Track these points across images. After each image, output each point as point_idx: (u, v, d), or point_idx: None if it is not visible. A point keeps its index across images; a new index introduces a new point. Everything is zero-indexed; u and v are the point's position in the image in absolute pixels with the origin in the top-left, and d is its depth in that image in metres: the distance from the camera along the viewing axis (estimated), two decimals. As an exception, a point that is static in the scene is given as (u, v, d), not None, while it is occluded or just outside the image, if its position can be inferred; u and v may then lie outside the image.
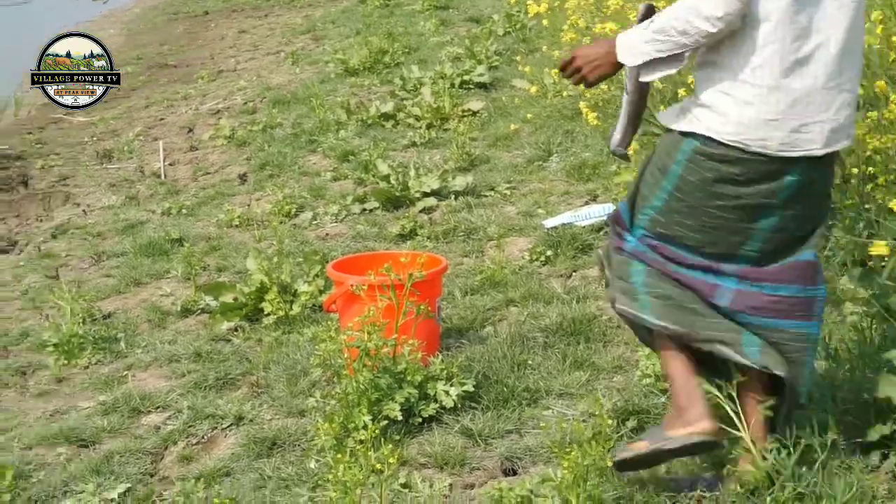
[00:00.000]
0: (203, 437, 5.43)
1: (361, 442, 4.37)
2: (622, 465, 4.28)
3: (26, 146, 12.38)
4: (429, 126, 10.09)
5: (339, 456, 4.07)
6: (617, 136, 4.40)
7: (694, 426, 4.15)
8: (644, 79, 4.19)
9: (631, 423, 4.83)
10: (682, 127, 4.06)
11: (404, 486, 4.64)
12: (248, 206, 8.98)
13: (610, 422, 4.23)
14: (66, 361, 6.53)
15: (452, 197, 8.29)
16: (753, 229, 4.08)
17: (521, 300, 6.39)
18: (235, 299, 6.73)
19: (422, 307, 5.29)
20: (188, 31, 19.13)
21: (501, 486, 4.32)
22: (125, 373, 6.29)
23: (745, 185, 4.00)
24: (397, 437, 4.96)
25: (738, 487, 4.14)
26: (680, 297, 4.16)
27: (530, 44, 12.34)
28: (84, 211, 9.84)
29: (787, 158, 3.95)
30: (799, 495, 4.02)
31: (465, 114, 10.27)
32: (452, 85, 10.98)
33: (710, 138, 3.98)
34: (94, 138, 12.51)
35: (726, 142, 3.96)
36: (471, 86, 11.21)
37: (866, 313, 5.18)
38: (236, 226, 8.52)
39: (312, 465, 4.89)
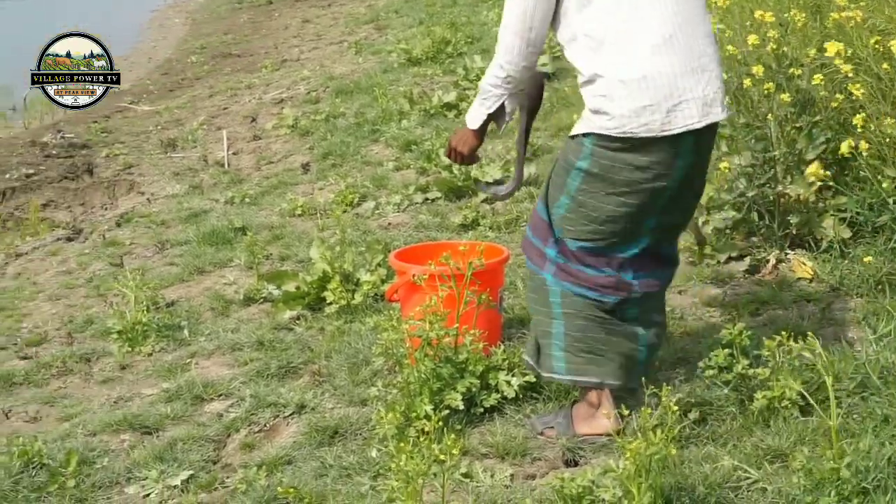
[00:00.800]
0: (265, 426, 5.45)
1: (423, 431, 4.38)
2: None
3: (92, 134, 12.47)
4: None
5: (401, 445, 4.07)
6: (511, 185, 5.31)
7: (601, 428, 4.81)
8: (499, 129, 5.01)
9: (693, 415, 4.80)
10: (581, 130, 4.61)
11: (465, 475, 4.65)
12: (311, 195, 9.01)
13: (675, 410, 4.22)
14: (129, 349, 6.58)
15: (515, 187, 8.25)
16: (652, 214, 4.66)
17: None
18: (298, 288, 6.75)
19: (483, 297, 5.29)
20: (252, 20, 19.20)
21: (563, 476, 4.30)
22: (188, 360, 6.33)
23: (641, 170, 4.53)
24: (459, 427, 4.96)
25: None
26: (598, 341, 4.82)
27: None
28: (148, 199, 9.91)
29: (672, 137, 4.48)
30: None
31: (531, 103, 10.22)
32: (515, 75, 10.91)
33: (602, 136, 4.52)
34: (159, 127, 12.59)
35: (616, 136, 4.49)
36: (535, 75, 11.16)
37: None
38: (299, 215, 8.54)
39: (374, 454, 4.90)
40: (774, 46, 6.47)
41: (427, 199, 8.34)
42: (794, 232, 6.45)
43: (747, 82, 6.37)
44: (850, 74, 6.06)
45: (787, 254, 6.42)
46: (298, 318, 6.62)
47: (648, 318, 4.89)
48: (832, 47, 5.98)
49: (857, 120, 5.92)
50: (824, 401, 4.46)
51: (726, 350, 4.89)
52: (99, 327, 6.98)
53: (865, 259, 5.93)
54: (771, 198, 6.45)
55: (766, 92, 6.35)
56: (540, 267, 4.87)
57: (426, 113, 10.45)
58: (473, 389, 5.07)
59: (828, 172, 6.31)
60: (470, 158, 5.11)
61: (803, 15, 6.65)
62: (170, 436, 5.43)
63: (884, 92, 6.05)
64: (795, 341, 4.62)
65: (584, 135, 4.58)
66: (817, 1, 7.13)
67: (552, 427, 4.96)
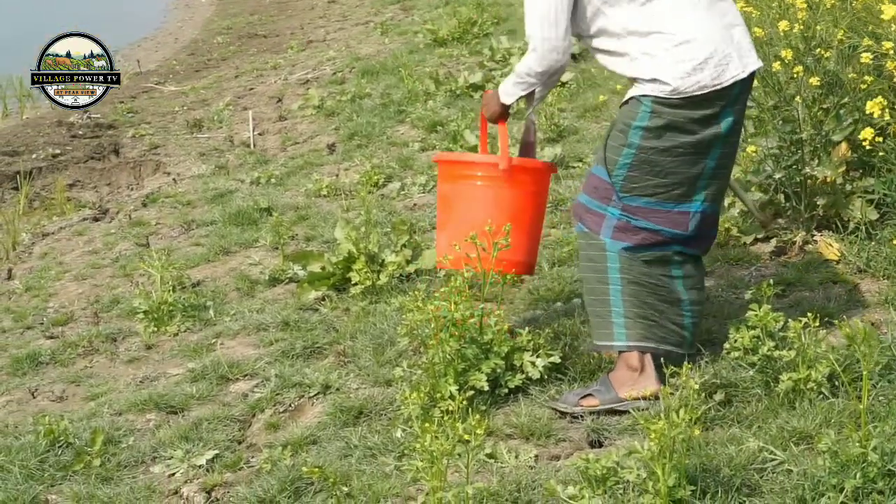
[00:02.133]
0: (290, 406, 5.46)
1: (448, 412, 4.38)
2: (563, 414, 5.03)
3: (118, 115, 12.50)
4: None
5: (425, 425, 4.07)
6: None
7: (648, 390, 4.90)
8: (528, 107, 5.29)
9: (718, 396, 4.80)
10: (638, 93, 4.87)
11: (490, 456, 4.65)
12: (337, 175, 9.01)
13: (698, 389, 4.21)
14: (155, 329, 6.60)
15: (541, 168, 8.24)
16: (707, 162, 4.93)
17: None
18: (323, 269, 6.75)
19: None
20: (278, 1, 19.20)
21: (588, 457, 4.30)
22: (214, 341, 6.34)
23: (698, 122, 4.84)
24: (483, 408, 4.96)
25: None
26: (650, 306, 5.01)
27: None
28: (174, 180, 9.93)
29: (722, 89, 4.81)
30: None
31: (563, 84, 10.22)
32: (542, 56, 10.90)
33: (660, 97, 4.81)
34: (185, 108, 12.61)
35: (674, 98, 4.80)
36: (563, 56, 11.13)
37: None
38: (324, 195, 8.55)
39: (399, 434, 4.91)
40: (802, 27, 6.44)
41: (452, 179, 8.32)
42: (820, 214, 6.42)
43: (776, 65, 6.34)
44: (893, 52, 6.02)
45: (813, 235, 6.39)
46: (323, 299, 6.62)
47: (692, 282, 5.07)
48: (889, 11, 5.89)
49: (872, 106, 5.88)
50: (850, 382, 4.45)
51: (752, 332, 4.88)
52: (125, 307, 7.01)
53: (893, 241, 5.90)
54: (798, 180, 6.43)
55: (794, 75, 6.32)
56: (597, 230, 5.00)
57: (452, 94, 10.44)
58: (498, 370, 5.07)
59: (858, 151, 6.28)
60: (490, 120, 5.43)
61: (832, -4, 6.61)
62: (195, 416, 5.45)
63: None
64: (822, 323, 4.60)
65: (642, 97, 4.86)
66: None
67: (590, 395, 5.00)
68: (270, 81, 12.88)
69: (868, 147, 5.92)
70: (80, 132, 11.76)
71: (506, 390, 5.10)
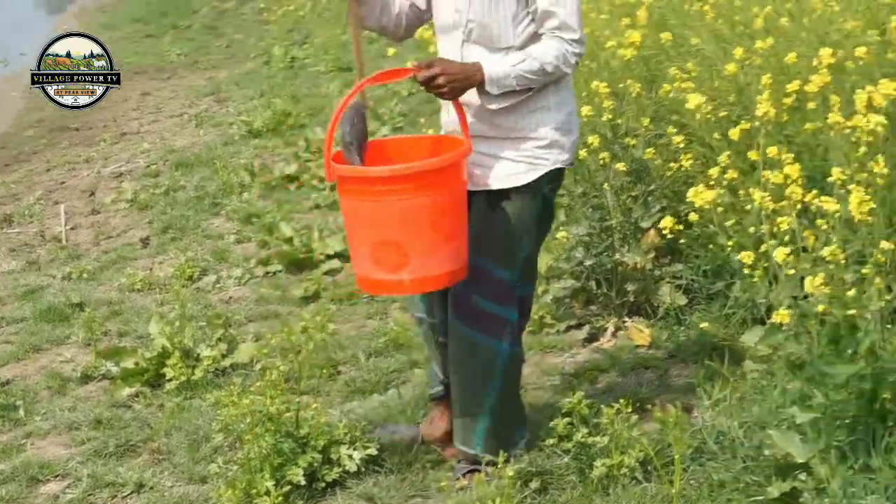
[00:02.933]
0: (103, 506, 5.35)
1: (263, 508, 4.34)
2: None
3: (-76, 211, 12.21)
4: (333, 188, 10.08)
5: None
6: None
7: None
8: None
9: (534, 484, 4.83)
10: (531, 178, 4.72)
11: (307, 551, 4.61)
12: (151, 269, 8.90)
13: (513, 477, 4.24)
14: (-38, 430, 6.42)
15: (356, 258, 8.26)
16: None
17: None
18: (137, 364, 6.66)
19: None
20: (91, 93, 19.01)
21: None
22: (24, 441, 6.18)
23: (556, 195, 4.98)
24: (300, 502, 4.92)
25: None
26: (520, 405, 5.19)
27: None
28: (-17, 277, 9.72)
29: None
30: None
31: (369, 175, 10.27)
32: (356, 146, 10.96)
33: (555, 170, 4.76)
34: (-6, 203, 12.37)
35: (566, 167, 4.84)
36: (375, 147, 11.21)
37: (766, 370, 5.24)
38: (138, 290, 8.43)
39: (214, 532, 4.84)
40: (610, 117, 6.58)
41: (268, 272, 8.29)
42: (631, 299, 6.54)
43: (584, 153, 6.46)
44: (682, 146, 6.19)
45: (625, 321, 6.50)
46: (137, 395, 6.51)
47: None
48: (693, 100, 6.02)
49: (692, 194, 6.01)
50: (663, 467, 4.51)
51: (566, 419, 4.92)
52: (-70, 408, 6.81)
53: (701, 326, 6.03)
54: (608, 266, 6.54)
55: (602, 162, 6.45)
56: (499, 337, 4.89)
57: (267, 185, 10.42)
58: (315, 464, 5.03)
59: (666, 238, 6.41)
60: (447, 98, 4.74)
61: (638, 86, 6.77)
62: (4, 519, 5.31)
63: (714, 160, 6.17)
64: (634, 409, 4.67)
65: (535, 182, 4.74)
66: (652, 73, 7.27)
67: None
68: (83, 175, 12.70)
69: (670, 235, 6.04)
70: None
71: (323, 484, 5.07)
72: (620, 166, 6.44)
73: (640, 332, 6.34)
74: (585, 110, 6.56)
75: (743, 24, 7.01)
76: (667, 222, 6.02)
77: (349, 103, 4.67)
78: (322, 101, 13.69)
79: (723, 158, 5.57)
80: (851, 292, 4.68)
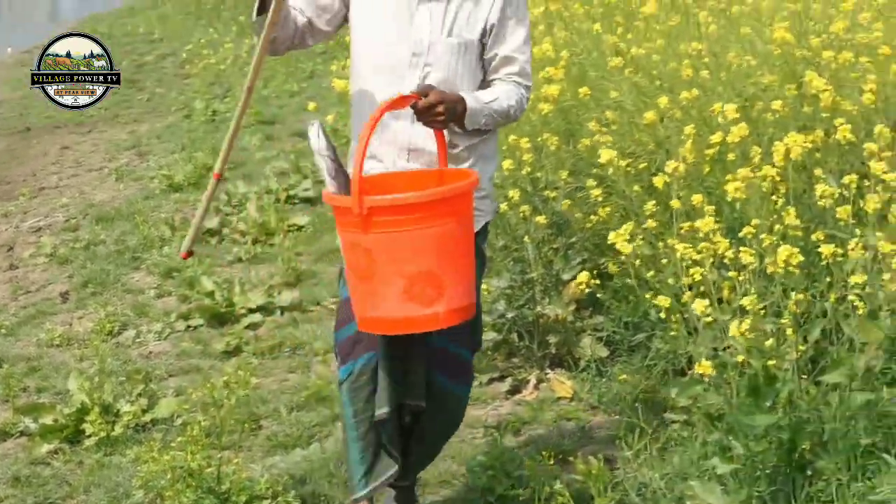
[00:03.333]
0: (19, 566, 5.28)
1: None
2: None
3: None
4: (254, 241, 10.06)
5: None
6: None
7: None
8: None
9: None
10: (477, 228, 4.59)
11: None
12: (70, 324, 8.81)
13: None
14: None
15: (278, 312, 8.24)
16: None
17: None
18: (55, 421, 6.58)
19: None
20: (9, 147, 18.83)
21: None
22: (-61, 502, 6.10)
23: None
24: (222, 559, 4.88)
25: None
26: None
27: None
28: None
29: None
30: None
31: (291, 228, 10.26)
32: (278, 200, 10.96)
33: (488, 222, 4.83)
34: (-90, 258, 12.22)
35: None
36: (297, 200, 11.21)
37: (687, 422, 5.27)
38: (57, 345, 8.34)
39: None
40: (529, 170, 6.62)
41: (189, 326, 8.24)
42: (553, 352, 6.57)
43: (504, 206, 6.49)
44: (600, 198, 6.25)
45: (547, 374, 6.52)
46: (56, 452, 6.43)
47: None
48: (606, 154, 6.04)
49: (613, 236, 6.05)
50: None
51: (489, 472, 4.93)
52: None
53: (621, 377, 6.06)
54: (530, 318, 6.57)
55: (522, 215, 6.49)
56: (466, 382, 4.90)
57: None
58: (236, 520, 5.00)
59: (586, 290, 6.45)
60: (440, 128, 4.49)
61: (556, 139, 6.83)
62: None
63: (634, 213, 6.23)
64: (556, 461, 4.68)
65: (478, 233, 4.66)
66: (572, 126, 7.33)
67: None
68: (0, 230, 12.59)
69: (588, 289, 6.10)
70: None
71: (244, 539, 5.03)
72: (541, 219, 6.48)
73: (562, 385, 6.36)
74: (507, 164, 6.60)
75: (661, 77, 7.09)
76: (583, 277, 6.08)
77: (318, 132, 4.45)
78: (243, 154, 13.67)
79: (648, 207, 5.63)
80: (770, 342, 4.73)
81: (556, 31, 8.35)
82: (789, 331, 4.74)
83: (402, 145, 4.59)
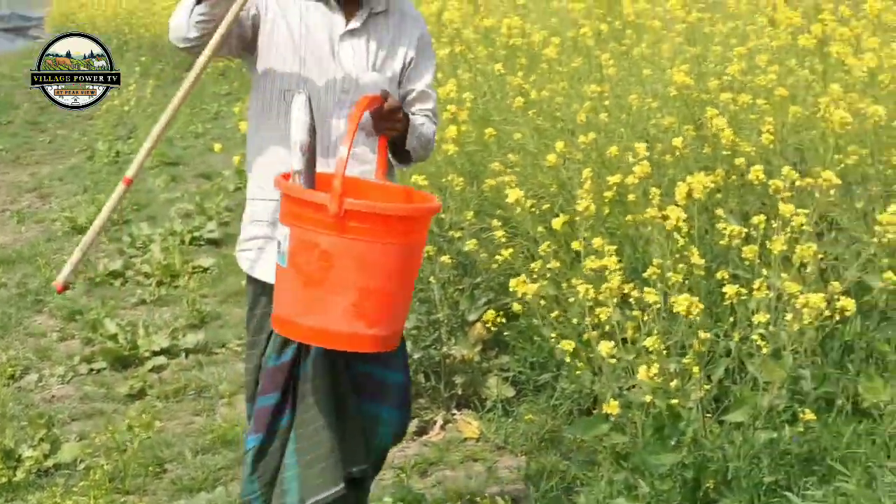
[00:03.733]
0: None
1: None
2: None
3: None
4: (159, 283, 9.99)
5: None
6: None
7: None
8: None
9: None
10: None
11: None
12: (-30, 369, 8.70)
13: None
14: None
15: (183, 355, 8.19)
16: None
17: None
18: (-45, 467, 6.49)
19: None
20: None
21: None
22: None
23: None
24: None
25: None
26: None
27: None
28: None
29: None
30: None
31: (196, 270, 10.21)
32: (182, 241, 10.92)
33: None
34: None
35: None
36: (201, 242, 11.16)
37: (593, 461, 5.30)
38: (-43, 390, 8.23)
39: None
40: (434, 211, 6.64)
41: (92, 369, 8.15)
42: (459, 392, 6.58)
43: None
44: (504, 239, 6.28)
45: (453, 414, 6.53)
46: (-45, 499, 6.35)
47: None
48: (513, 194, 6.03)
49: (514, 284, 6.09)
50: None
51: (395, 513, 4.92)
52: None
53: (527, 417, 6.09)
54: (436, 359, 6.57)
55: (428, 255, 6.50)
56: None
57: (91, 282, 10.27)
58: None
59: (492, 330, 6.48)
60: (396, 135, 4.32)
61: (461, 179, 6.86)
62: None
63: (539, 254, 6.27)
64: (463, 502, 4.68)
65: None
66: (476, 167, 7.37)
67: None
68: None
69: (494, 328, 6.12)
70: None
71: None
72: (446, 259, 6.50)
73: (468, 425, 6.37)
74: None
75: (563, 119, 7.15)
76: (489, 316, 6.10)
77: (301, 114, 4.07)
78: (147, 196, 13.60)
79: (543, 248, 5.67)
80: (674, 382, 4.78)
81: (460, 72, 8.40)
82: (694, 369, 4.79)
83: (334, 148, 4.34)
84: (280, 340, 4.29)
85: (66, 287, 4.27)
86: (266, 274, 4.30)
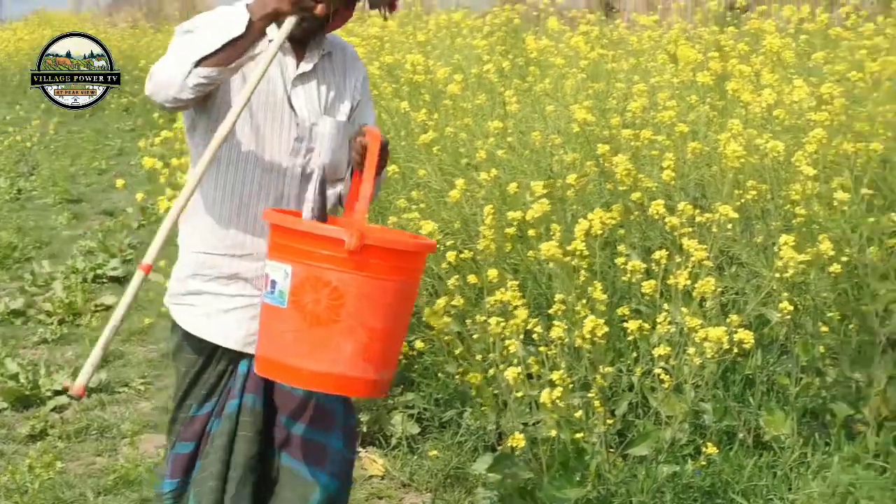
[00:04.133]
0: None
1: None
2: None
3: None
4: (61, 322, 9.87)
5: None
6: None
7: None
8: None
9: None
10: None
11: None
12: None
13: None
14: None
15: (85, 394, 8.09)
16: None
17: (156, 499, 6.26)
18: None
19: None
20: None
21: None
22: None
23: None
24: None
25: None
26: None
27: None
28: None
29: None
30: None
31: (99, 308, 10.10)
32: (85, 280, 10.81)
33: None
34: None
35: None
36: (104, 280, 11.06)
37: (499, 497, 5.31)
38: None
39: None
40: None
41: (-8, 410, 8.05)
42: (365, 430, 6.56)
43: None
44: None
45: (358, 451, 6.50)
46: None
47: None
48: (427, 226, 6.02)
49: (427, 314, 6.08)
50: None
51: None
52: None
53: (432, 454, 6.08)
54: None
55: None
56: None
57: (-9, 321, 10.16)
58: None
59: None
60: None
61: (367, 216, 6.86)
62: None
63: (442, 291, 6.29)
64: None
65: None
66: (381, 205, 7.38)
67: None
68: None
69: (405, 362, 6.12)
70: None
71: None
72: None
73: (373, 463, 6.36)
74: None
75: (467, 156, 7.18)
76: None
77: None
78: (50, 233, 13.46)
79: (451, 282, 5.69)
80: (578, 413, 4.80)
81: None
82: (597, 403, 4.82)
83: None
84: (204, 393, 4.27)
85: (86, 392, 4.03)
86: (207, 332, 4.23)
